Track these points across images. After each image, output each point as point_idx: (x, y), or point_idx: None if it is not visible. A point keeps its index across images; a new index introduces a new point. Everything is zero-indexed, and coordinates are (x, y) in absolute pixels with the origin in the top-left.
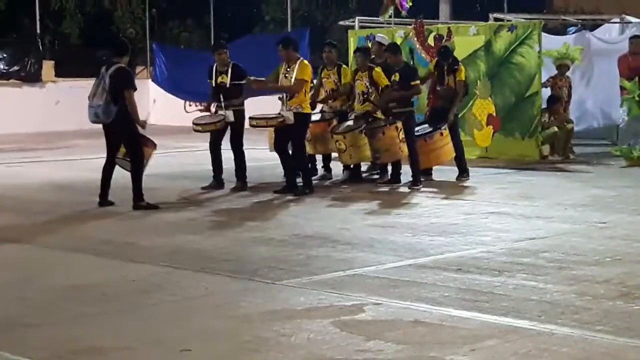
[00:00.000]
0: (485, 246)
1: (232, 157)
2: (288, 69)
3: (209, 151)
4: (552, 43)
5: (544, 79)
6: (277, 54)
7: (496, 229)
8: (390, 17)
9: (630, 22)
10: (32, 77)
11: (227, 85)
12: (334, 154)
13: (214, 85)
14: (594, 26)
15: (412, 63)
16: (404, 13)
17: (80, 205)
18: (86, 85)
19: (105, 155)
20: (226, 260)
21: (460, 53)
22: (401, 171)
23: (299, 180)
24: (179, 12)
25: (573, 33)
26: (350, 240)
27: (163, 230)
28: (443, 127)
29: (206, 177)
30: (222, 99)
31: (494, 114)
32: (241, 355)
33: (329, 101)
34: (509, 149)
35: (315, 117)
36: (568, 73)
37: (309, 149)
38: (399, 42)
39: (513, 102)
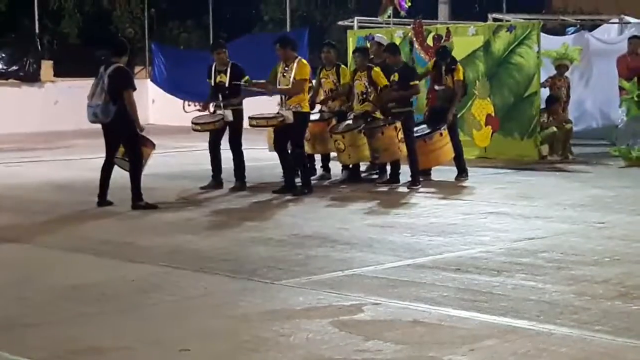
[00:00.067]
0: (484, 246)
1: (231, 157)
2: (286, 68)
3: (208, 151)
4: (551, 43)
5: (542, 79)
6: (275, 53)
7: (495, 229)
8: (389, 17)
9: (629, 23)
10: (31, 77)
11: (226, 85)
12: (333, 154)
13: (212, 84)
14: (592, 26)
15: (411, 62)
16: (402, 13)
17: (80, 205)
18: (85, 85)
19: (104, 155)
20: (225, 260)
21: (459, 53)
22: (400, 171)
23: (298, 180)
24: (178, 12)
25: (572, 33)
26: (349, 240)
27: (162, 230)
28: (442, 128)
29: (205, 177)
30: (220, 99)
31: (493, 114)
32: (240, 355)
33: (328, 101)
34: (507, 149)
35: (314, 116)
36: (567, 73)
37: (308, 149)
38: (397, 42)
39: (512, 102)
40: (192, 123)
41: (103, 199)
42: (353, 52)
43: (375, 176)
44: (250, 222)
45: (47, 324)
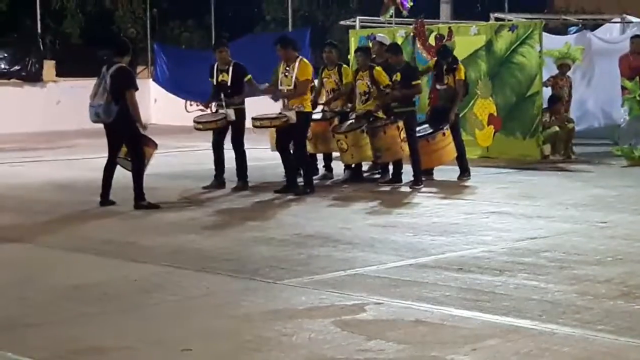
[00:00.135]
0: (486, 246)
1: (234, 156)
2: (287, 68)
3: (211, 151)
4: (553, 43)
5: (544, 79)
6: (276, 54)
7: (497, 229)
8: (391, 16)
9: (631, 22)
10: (33, 77)
11: (228, 84)
12: (335, 154)
13: (215, 83)
14: (595, 26)
15: (413, 61)
16: (404, 13)
17: (82, 205)
18: (87, 85)
19: (106, 154)
20: (227, 260)
21: (461, 53)
22: (402, 171)
23: (300, 179)
24: (179, 12)
25: (574, 33)
26: (352, 240)
27: (164, 230)
28: (445, 127)
29: (207, 176)
30: (223, 98)
31: (495, 114)
32: (242, 355)
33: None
34: (510, 148)
35: (316, 116)
36: (569, 73)
37: (310, 148)
38: (399, 42)
39: (514, 102)
40: (194, 122)
41: (105, 199)
42: (355, 52)
43: (377, 176)
44: (253, 221)
45: (48, 324)
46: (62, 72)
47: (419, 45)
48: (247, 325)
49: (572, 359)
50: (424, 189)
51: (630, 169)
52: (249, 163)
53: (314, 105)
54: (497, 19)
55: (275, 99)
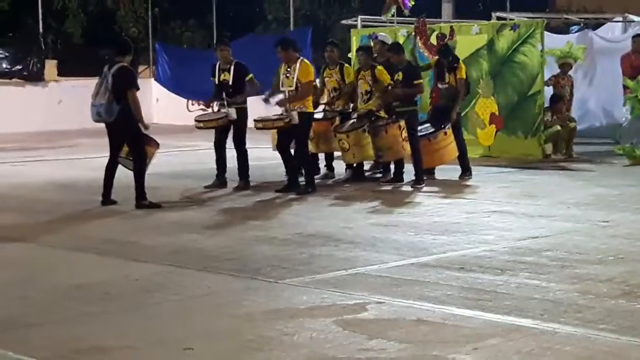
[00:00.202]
0: (487, 245)
1: (235, 155)
2: (288, 69)
3: (213, 150)
4: (555, 42)
5: (546, 78)
6: (277, 55)
7: (499, 228)
8: (392, 16)
9: (633, 21)
10: (35, 76)
11: (230, 83)
12: (337, 153)
13: (216, 83)
14: (596, 25)
15: (414, 60)
16: (406, 12)
17: (83, 205)
18: (89, 84)
19: (107, 154)
20: (229, 259)
21: (462, 52)
22: (404, 170)
23: (302, 179)
24: (181, 11)
25: (576, 32)
26: (353, 239)
27: (166, 230)
28: (447, 127)
29: (209, 176)
30: (224, 97)
31: (497, 113)
32: (244, 355)
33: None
34: (511, 147)
35: (317, 115)
36: (570, 72)
37: (311, 148)
38: (401, 41)
39: (516, 101)
40: (196, 121)
41: (107, 198)
42: (357, 51)
43: (379, 175)
44: (254, 221)
45: (50, 324)
46: (64, 71)
47: (420, 45)
48: (249, 324)
49: (574, 358)
50: (425, 188)
51: (632, 168)
52: (250, 162)
53: (316, 104)
54: (498, 18)
55: (281, 105)
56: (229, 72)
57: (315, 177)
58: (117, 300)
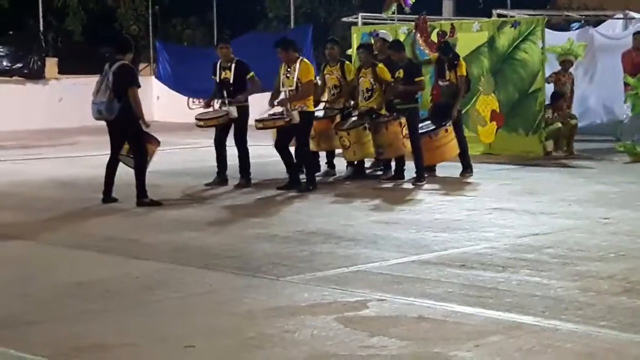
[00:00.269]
0: (489, 242)
1: (236, 153)
2: (289, 69)
3: (214, 147)
4: (556, 39)
5: (547, 75)
6: (277, 56)
7: (500, 225)
8: (393, 13)
9: (634, 18)
10: (35, 74)
11: (231, 81)
12: (338, 150)
13: (217, 81)
14: (597, 22)
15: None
16: (407, 9)
17: (84, 202)
18: (89, 82)
19: (108, 152)
20: (230, 257)
21: (463, 49)
22: (405, 167)
23: (302, 176)
24: (182, 9)
25: (576, 29)
26: (354, 237)
27: (167, 227)
28: (447, 124)
29: (209, 173)
30: (225, 95)
31: (498, 110)
32: (245, 352)
33: (332, 98)
34: (512, 145)
35: (317, 113)
36: (571, 69)
37: (313, 146)
38: (402, 39)
39: (516, 98)
40: (196, 119)
41: (108, 196)
42: (357, 49)
43: (379, 172)
44: (255, 218)
45: (51, 321)
46: (65, 69)
47: (421, 42)
48: (250, 322)
49: (575, 355)
50: (426, 186)
51: (633, 165)
52: (251, 160)
53: (317, 102)
54: (499, 16)
55: (282, 105)
56: (230, 70)
57: (316, 174)
58: (118, 297)
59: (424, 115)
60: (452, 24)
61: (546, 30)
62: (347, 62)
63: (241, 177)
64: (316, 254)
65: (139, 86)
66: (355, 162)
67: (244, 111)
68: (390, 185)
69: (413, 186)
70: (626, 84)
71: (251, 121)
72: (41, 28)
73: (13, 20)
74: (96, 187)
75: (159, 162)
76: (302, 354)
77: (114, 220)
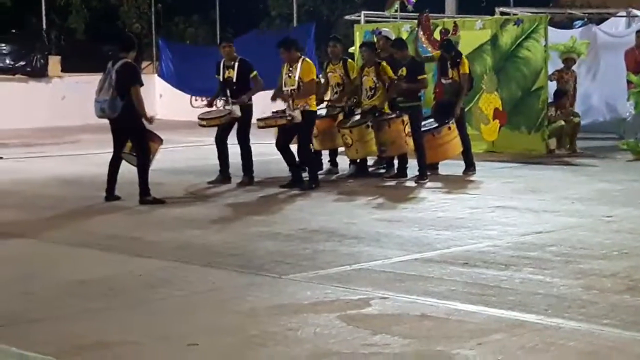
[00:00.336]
0: (491, 240)
1: (239, 151)
2: (290, 69)
3: (215, 146)
4: (559, 37)
5: (550, 73)
6: (280, 56)
7: (503, 223)
8: (396, 11)
9: (637, 16)
10: (38, 72)
11: (234, 80)
12: (340, 149)
13: (221, 80)
14: (600, 20)
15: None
16: (409, 7)
17: (86, 200)
18: (92, 80)
19: (111, 150)
20: (233, 255)
21: (466, 47)
22: (407, 165)
23: (305, 174)
24: (184, 7)
25: (579, 27)
26: (357, 235)
27: (169, 225)
28: (451, 122)
29: (212, 171)
30: (229, 94)
31: (501, 108)
32: (248, 350)
33: (335, 97)
34: (515, 143)
35: (320, 112)
36: (574, 67)
37: (316, 145)
38: (404, 37)
39: (519, 96)
40: (199, 119)
41: (111, 194)
42: (360, 47)
43: (382, 170)
44: (258, 216)
45: (53, 319)
46: (67, 67)
47: (423, 40)
48: (253, 320)
49: (578, 354)
50: (429, 184)
51: (636, 163)
52: (254, 158)
53: (320, 101)
54: (502, 13)
55: (284, 100)
56: (233, 69)
57: (319, 172)
58: (121, 295)
59: (426, 113)
60: (454, 22)
61: (549, 28)
62: (349, 60)
63: (244, 175)
64: (319, 252)
65: (141, 84)
66: (358, 160)
67: (247, 110)
68: (393, 183)
69: (416, 184)
70: (629, 82)
71: (253, 120)
72: (44, 26)
73: (16, 18)
74: (99, 185)
75: (161, 160)
76: (304, 352)
77: (116, 218)
